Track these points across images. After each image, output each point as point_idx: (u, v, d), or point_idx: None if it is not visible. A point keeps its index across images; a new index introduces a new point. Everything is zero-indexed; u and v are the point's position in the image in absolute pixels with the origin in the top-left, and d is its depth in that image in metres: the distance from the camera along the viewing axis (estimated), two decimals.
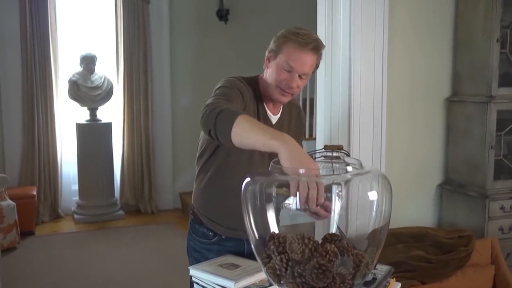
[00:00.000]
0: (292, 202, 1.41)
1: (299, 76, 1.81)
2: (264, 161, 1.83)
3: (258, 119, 1.84)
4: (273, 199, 1.44)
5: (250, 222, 1.44)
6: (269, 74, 1.86)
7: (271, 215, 1.45)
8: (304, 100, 5.65)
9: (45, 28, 5.34)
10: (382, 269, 1.78)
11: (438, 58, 3.16)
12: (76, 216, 5.51)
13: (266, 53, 1.88)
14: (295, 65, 1.78)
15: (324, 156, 1.81)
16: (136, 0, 5.64)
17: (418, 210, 3.20)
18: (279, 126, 1.94)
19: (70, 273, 4.13)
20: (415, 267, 2.54)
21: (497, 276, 2.77)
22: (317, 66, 1.86)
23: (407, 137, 3.11)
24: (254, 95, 1.87)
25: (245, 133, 1.48)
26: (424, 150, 3.18)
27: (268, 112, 1.92)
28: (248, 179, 1.44)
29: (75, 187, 5.68)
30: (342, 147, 2.15)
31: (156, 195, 5.93)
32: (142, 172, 5.87)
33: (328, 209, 1.49)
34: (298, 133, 2.07)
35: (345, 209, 1.47)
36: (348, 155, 1.96)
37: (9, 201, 4.59)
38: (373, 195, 1.42)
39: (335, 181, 1.45)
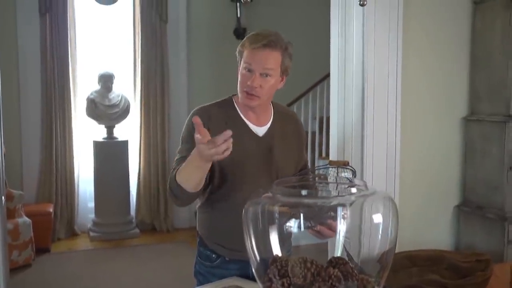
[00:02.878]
0: (294, 224, 1.37)
1: (261, 74, 1.79)
2: (261, 177, 1.81)
3: (241, 136, 1.82)
4: (276, 220, 1.40)
5: (252, 244, 1.40)
6: (238, 84, 1.86)
7: (273, 237, 1.41)
8: (321, 118, 5.62)
9: (64, 47, 5.42)
10: None
11: (455, 76, 3.10)
12: (91, 234, 5.52)
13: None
14: (252, 63, 1.79)
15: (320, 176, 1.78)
16: (154, 19, 5.71)
17: (434, 232, 3.12)
18: (267, 138, 1.89)
19: None
20: None
21: None
22: (285, 65, 1.83)
23: (422, 157, 3.05)
24: (227, 116, 1.86)
25: (186, 181, 1.69)
26: (440, 170, 3.11)
27: (251, 126, 1.89)
28: (249, 199, 1.41)
29: (92, 204, 5.70)
30: (348, 163, 2.11)
31: (172, 213, 5.92)
32: (158, 190, 5.87)
33: (332, 228, 1.45)
34: (298, 145, 2.00)
35: (358, 231, 1.43)
36: (354, 172, 1.92)
37: (25, 218, 4.62)
38: (378, 218, 1.37)
39: (340, 202, 1.41)
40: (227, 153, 1.55)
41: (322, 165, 2.23)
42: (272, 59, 1.80)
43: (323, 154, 5.53)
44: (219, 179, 1.84)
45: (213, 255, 1.92)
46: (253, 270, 1.40)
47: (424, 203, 3.07)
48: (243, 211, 1.40)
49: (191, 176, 1.68)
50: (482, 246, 2.97)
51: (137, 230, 5.69)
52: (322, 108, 5.61)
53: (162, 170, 5.84)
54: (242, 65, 1.83)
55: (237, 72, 1.88)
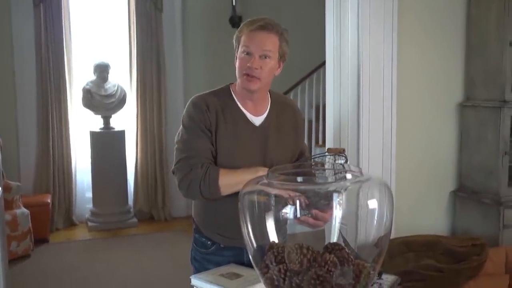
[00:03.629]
0: (289, 211, 1.38)
1: (260, 57, 1.80)
2: (256, 166, 1.80)
3: (237, 126, 1.84)
4: (272, 208, 1.41)
5: (248, 231, 1.41)
6: (236, 70, 1.86)
7: (270, 224, 1.42)
8: (317, 106, 5.62)
9: (59, 37, 5.40)
10: (388, 279, 1.73)
11: (450, 63, 3.10)
12: (90, 224, 5.54)
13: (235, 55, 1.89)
14: (250, 45, 1.79)
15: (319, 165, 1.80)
16: (149, 8, 5.68)
17: (430, 218, 3.14)
18: (264, 127, 1.89)
19: (83, 281, 4.14)
20: (425, 277, 2.48)
21: (511, 286, 2.70)
22: (282, 50, 1.85)
23: (418, 143, 3.06)
24: (224, 105, 1.86)
25: (232, 187, 1.72)
26: (436, 156, 3.12)
27: (248, 115, 1.89)
28: (245, 186, 1.42)
29: (89, 194, 5.72)
30: (344, 150, 2.12)
31: (170, 202, 5.93)
32: (156, 179, 5.88)
33: (318, 218, 1.47)
34: (295, 133, 2.00)
35: (354, 217, 1.44)
36: (346, 160, 1.93)
37: (23, 209, 4.63)
38: (373, 204, 1.38)
39: (336, 189, 1.42)
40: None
41: (320, 153, 2.25)
42: (270, 42, 1.81)
43: (320, 142, 5.54)
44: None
45: (208, 242, 1.93)
46: (250, 257, 1.41)
47: (420, 189, 3.09)
48: (239, 199, 1.41)
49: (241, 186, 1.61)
50: (477, 231, 3.00)
51: (135, 220, 5.71)
52: (318, 96, 5.62)
53: (159, 159, 5.85)
54: (240, 50, 1.83)
55: (235, 60, 1.88)
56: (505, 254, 2.71)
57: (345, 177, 1.45)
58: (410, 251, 2.69)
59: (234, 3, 6.06)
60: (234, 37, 1.88)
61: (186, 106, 1.90)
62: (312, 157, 2.24)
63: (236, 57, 1.87)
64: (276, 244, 1.38)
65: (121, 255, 4.75)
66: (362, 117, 2.80)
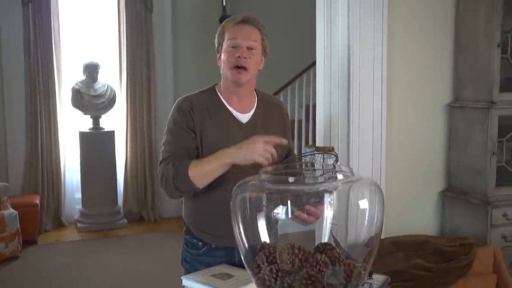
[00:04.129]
0: (281, 211, 1.39)
1: (247, 48, 1.84)
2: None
3: (224, 122, 1.88)
4: (264, 207, 1.42)
5: (240, 231, 1.41)
6: (223, 65, 1.90)
7: (261, 224, 1.42)
8: (307, 106, 5.64)
9: (48, 36, 5.37)
10: (378, 279, 1.74)
11: (439, 63, 3.13)
12: (79, 225, 5.51)
13: (216, 55, 1.93)
14: (237, 38, 1.84)
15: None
16: (139, 9, 5.66)
17: (419, 218, 3.16)
18: (251, 124, 1.91)
19: (72, 282, 4.11)
20: (415, 276, 2.50)
21: (499, 285, 2.72)
22: (264, 43, 1.90)
23: (407, 144, 3.08)
24: (211, 103, 1.90)
25: (202, 177, 1.77)
26: (425, 156, 3.15)
27: (234, 113, 1.91)
28: (237, 187, 1.42)
29: (78, 195, 5.68)
30: (333, 148, 2.13)
31: (160, 203, 5.92)
32: (145, 180, 5.87)
33: (311, 213, 1.48)
34: (283, 131, 2.00)
35: (344, 217, 1.45)
36: (337, 158, 1.94)
37: (11, 210, 4.59)
38: (364, 204, 1.39)
39: (326, 189, 1.43)
40: (268, 156, 1.70)
41: (309, 152, 2.25)
42: (254, 34, 1.87)
43: (310, 142, 5.56)
44: None
45: (199, 243, 1.93)
46: (242, 257, 1.42)
47: (409, 189, 3.11)
48: (231, 199, 1.41)
49: (213, 173, 1.77)
50: (466, 231, 3.02)
51: (124, 220, 5.69)
52: (308, 96, 5.63)
53: (149, 159, 5.83)
54: (226, 44, 1.87)
55: (217, 58, 1.92)
56: (493, 254, 2.74)
57: (336, 176, 1.46)
58: (400, 251, 2.71)
59: (224, 4, 6.06)
60: (216, 35, 1.92)
61: (172, 109, 1.93)
62: (302, 155, 2.25)
63: (220, 54, 1.90)
64: (268, 244, 1.39)
65: (111, 256, 4.73)
66: (352, 117, 2.82)
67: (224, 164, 1.75)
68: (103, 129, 5.62)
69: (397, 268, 2.51)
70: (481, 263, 2.67)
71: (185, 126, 1.85)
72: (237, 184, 1.44)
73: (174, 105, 1.92)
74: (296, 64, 5.68)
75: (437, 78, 3.13)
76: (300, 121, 5.73)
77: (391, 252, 2.69)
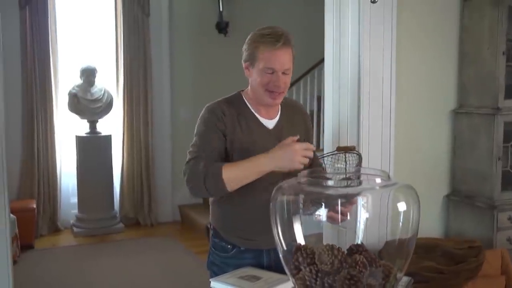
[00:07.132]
0: (322, 214, 1.42)
1: (283, 73, 1.85)
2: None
3: (252, 130, 1.90)
4: (300, 210, 1.45)
5: (278, 233, 1.44)
6: (253, 81, 1.90)
7: (297, 227, 1.45)
8: (311, 112, 5.66)
9: (45, 40, 5.34)
10: (403, 280, 1.78)
11: (444, 71, 3.19)
12: (75, 229, 5.47)
13: (243, 63, 1.92)
14: (275, 65, 1.84)
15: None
16: (136, 13, 5.66)
17: (425, 221, 3.17)
18: (277, 130, 1.95)
19: (69, 287, 4.09)
20: (427, 278, 2.54)
21: (507, 287, 2.78)
22: (293, 57, 1.91)
23: (414, 149, 3.13)
24: (238, 112, 1.92)
25: (236, 181, 1.78)
26: (431, 161, 3.20)
27: (261, 120, 1.95)
28: (276, 190, 1.45)
29: (74, 200, 5.64)
30: (354, 147, 2.16)
31: (156, 207, 5.90)
32: (142, 185, 5.85)
33: (343, 213, 1.51)
34: (305, 135, 2.04)
35: (378, 219, 1.49)
36: (360, 157, 1.97)
37: (10, 215, 4.53)
38: (402, 206, 1.43)
39: (363, 193, 1.47)
40: (305, 162, 1.75)
41: (330, 152, 2.28)
42: (289, 57, 1.87)
43: (321, 147, 5.53)
44: None
45: (229, 246, 1.96)
46: (281, 258, 1.44)
47: None
48: (271, 201, 1.44)
49: (248, 179, 1.79)
50: (471, 234, 3.07)
51: (121, 225, 5.66)
52: (312, 103, 5.63)
53: (146, 164, 5.82)
54: (260, 66, 1.85)
55: (247, 69, 1.91)
56: (501, 256, 2.79)
57: (375, 180, 1.49)
58: None
59: (221, 9, 6.08)
60: (246, 48, 1.89)
61: (201, 114, 1.94)
62: (322, 156, 2.28)
63: (250, 68, 1.89)
64: (303, 246, 1.42)
65: (108, 261, 4.70)
66: (362, 124, 2.86)
67: (262, 172, 1.78)
68: (100, 133, 5.59)
69: (410, 270, 2.55)
70: (490, 265, 2.72)
71: (218, 130, 1.87)
72: (275, 188, 1.46)
73: (204, 109, 1.94)
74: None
75: (443, 85, 3.19)
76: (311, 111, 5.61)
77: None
